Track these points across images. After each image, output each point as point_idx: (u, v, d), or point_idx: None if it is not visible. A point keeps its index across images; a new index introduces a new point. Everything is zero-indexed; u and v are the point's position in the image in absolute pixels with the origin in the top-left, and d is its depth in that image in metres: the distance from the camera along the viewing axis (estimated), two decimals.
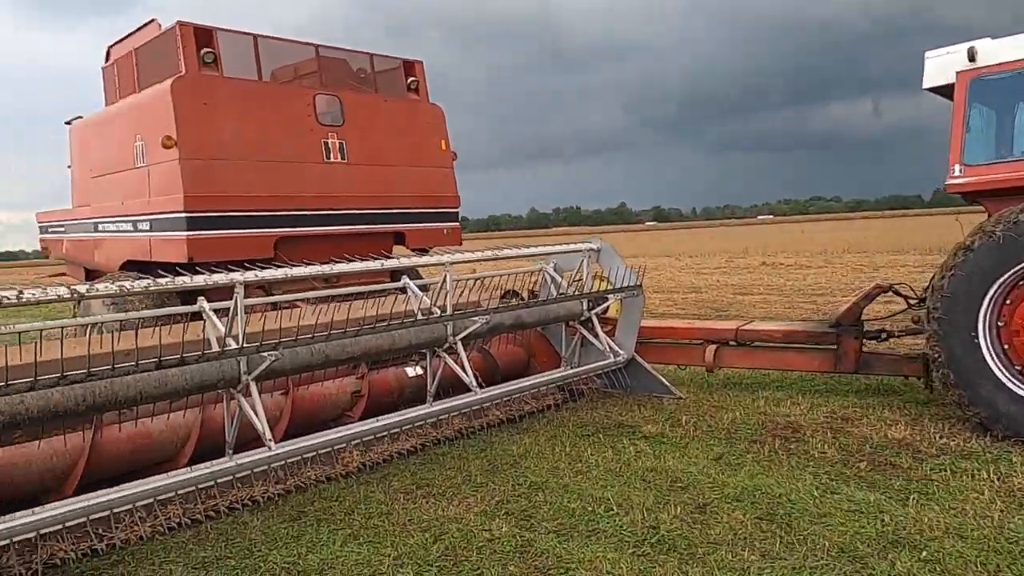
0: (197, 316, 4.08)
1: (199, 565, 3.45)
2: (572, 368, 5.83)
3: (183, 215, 5.71)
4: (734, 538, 3.43)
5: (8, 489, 3.76)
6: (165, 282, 3.60)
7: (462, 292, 5.30)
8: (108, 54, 7.37)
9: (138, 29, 6.78)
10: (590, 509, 3.85)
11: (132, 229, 6.56)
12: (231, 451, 4.08)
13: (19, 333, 3.50)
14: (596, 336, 5.77)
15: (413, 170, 7.28)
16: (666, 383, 5.93)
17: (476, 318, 4.74)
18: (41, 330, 3.61)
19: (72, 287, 3.32)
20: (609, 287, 5.90)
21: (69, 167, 8.59)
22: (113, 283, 3.42)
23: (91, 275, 8.88)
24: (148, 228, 6.27)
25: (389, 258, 4.70)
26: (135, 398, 3.53)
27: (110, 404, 3.47)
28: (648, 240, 53.91)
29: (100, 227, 7.26)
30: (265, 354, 3.66)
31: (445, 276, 4.78)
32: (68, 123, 8.36)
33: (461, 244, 7.63)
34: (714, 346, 6.06)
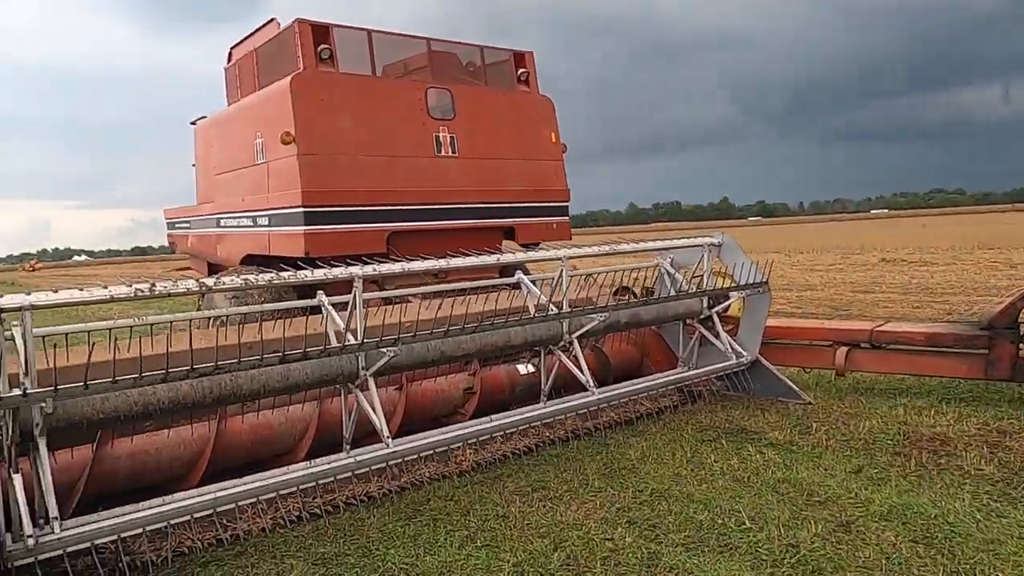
0: (316, 310, 4.10)
1: (319, 561, 3.43)
2: (691, 369, 5.55)
3: (301, 210, 5.79)
4: (887, 563, 3.11)
5: (140, 476, 3.87)
6: (286, 276, 3.60)
7: (571, 288, 5.13)
8: (230, 55, 7.61)
9: (258, 29, 6.95)
10: (720, 522, 3.60)
11: (252, 224, 6.73)
12: (348, 446, 4.07)
13: (151, 325, 3.59)
14: (717, 336, 5.47)
15: (523, 163, 7.16)
16: (793, 387, 5.56)
17: (594, 316, 4.55)
18: (171, 322, 3.69)
19: (199, 280, 3.35)
20: (731, 284, 5.58)
21: (193, 165, 8.96)
22: (237, 277, 3.43)
23: (213, 269, 9.25)
24: (267, 223, 6.41)
25: (504, 253, 4.57)
26: (259, 391, 3.55)
27: (235, 397, 3.50)
28: (754, 235, 52.00)
29: (222, 223, 7.51)
30: (384, 350, 3.60)
31: (561, 271, 4.61)
32: (193, 123, 8.73)
33: (571, 239, 7.45)
34: (845, 348, 5.63)
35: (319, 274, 3.70)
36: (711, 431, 5.07)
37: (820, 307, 11.59)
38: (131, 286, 3.18)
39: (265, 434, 4.34)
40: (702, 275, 5.60)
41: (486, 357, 4.72)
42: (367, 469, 3.74)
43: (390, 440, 3.72)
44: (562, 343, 4.68)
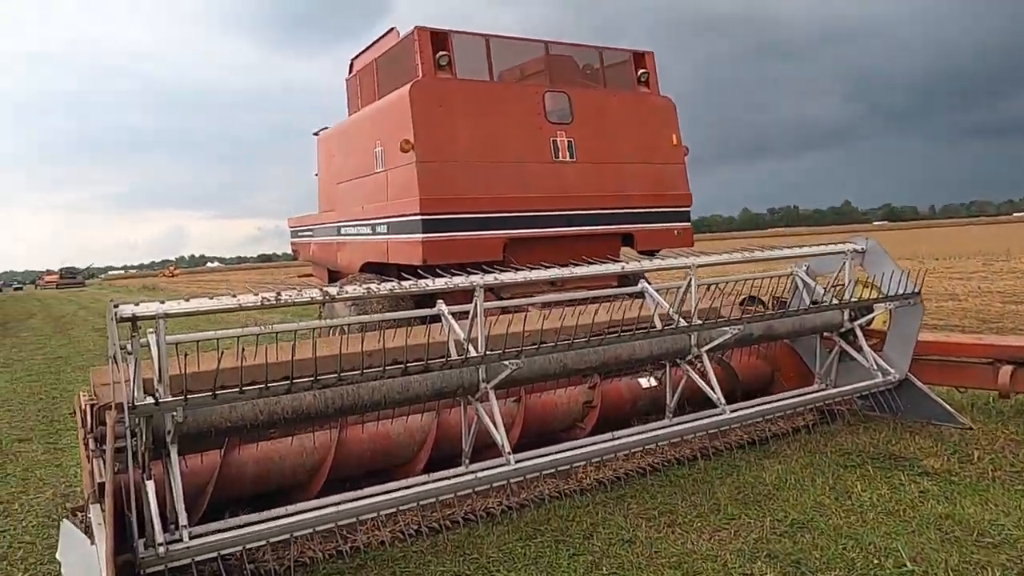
0: (434, 318, 4.02)
1: None
2: (830, 386, 5.12)
3: (419, 218, 5.77)
4: None
5: (264, 482, 3.90)
6: (407, 285, 3.52)
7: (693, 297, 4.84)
8: (351, 66, 7.76)
9: (379, 39, 7.04)
10: (875, 562, 3.22)
11: (371, 232, 6.80)
12: (467, 460, 3.96)
13: (276, 333, 3.60)
14: (860, 351, 5.01)
15: (643, 167, 6.89)
16: (949, 409, 5.02)
17: (725, 329, 4.25)
18: (295, 331, 3.69)
19: (323, 289, 3.32)
20: (875, 294, 5.11)
21: (316, 175, 9.21)
22: (360, 285, 3.38)
23: (334, 276, 9.48)
24: (386, 231, 6.45)
25: (628, 261, 4.34)
26: (379, 402, 3.49)
27: (355, 408, 3.45)
28: (881, 241, 48.98)
29: (342, 231, 7.64)
30: (507, 362, 3.46)
31: (689, 280, 4.34)
32: (316, 134, 8.97)
33: (692, 246, 7.11)
34: (1010, 367, 5.03)
35: (439, 283, 3.61)
36: (854, 455, 4.64)
37: (966, 319, 10.63)
38: (258, 295, 3.19)
39: (384, 444, 4.29)
40: (841, 284, 5.16)
41: (608, 371, 4.50)
42: (487, 486, 3.59)
43: (511, 457, 3.57)
44: (690, 357, 4.39)
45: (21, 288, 75.58)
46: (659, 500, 4.10)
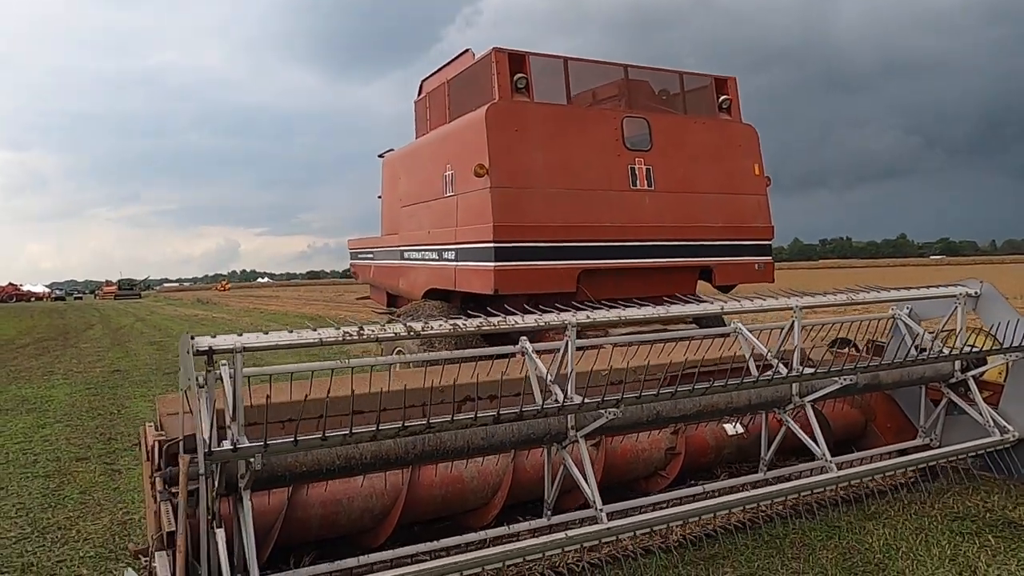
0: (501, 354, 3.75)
1: None
2: (935, 442, 4.69)
3: (491, 245, 5.53)
4: None
5: (331, 525, 3.66)
6: (496, 322, 3.26)
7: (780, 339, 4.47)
8: (420, 88, 7.62)
9: (452, 61, 6.87)
10: None
11: (437, 258, 6.59)
12: (550, 512, 3.66)
13: (351, 368, 3.38)
14: (973, 404, 4.57)
15: (724, 197, 6.56)
16: None
17: (836, 378, 3.87)
18: (372, 366, 3.46)
19: (408, 324, 3.07)
20: (989, 344, 4.67)
21: (379, 197, 9.09)
22: (445, 321, 3.13)
23: (393, 301, 9.31)
24: (453, 257, 6.22)
25: (727, 300, 4.01)
26: (462, 449, 3.22)
27: (437, 454, 3.19)
28: (937, 276, 47.30)
29: (405, 255, 7.46)
30: (603, 411, 3.16)
31: (793, 323, 3.99)
32: (380, 156, 8.85)
33: (773, 281, 6.72)
34: None
35: (529, 320, 3.33)
36: (969, 521, 4.19)
37: None
38: (339, 328, 2.96)
39: (456, 488, 4.02)
40: (950, 330, 4.73)
41: (700, 419, 4.17)
42: (577, 546, 3.28)
43: (604, 514, 3.26)
44: (791, 406, 4.03)
45: (81, 298, 77.95)
46: (755, 564, 3.73)
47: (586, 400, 3.09)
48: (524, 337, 3.68)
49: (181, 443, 2.82)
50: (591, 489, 3.28)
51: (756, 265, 6.70)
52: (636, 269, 6.08)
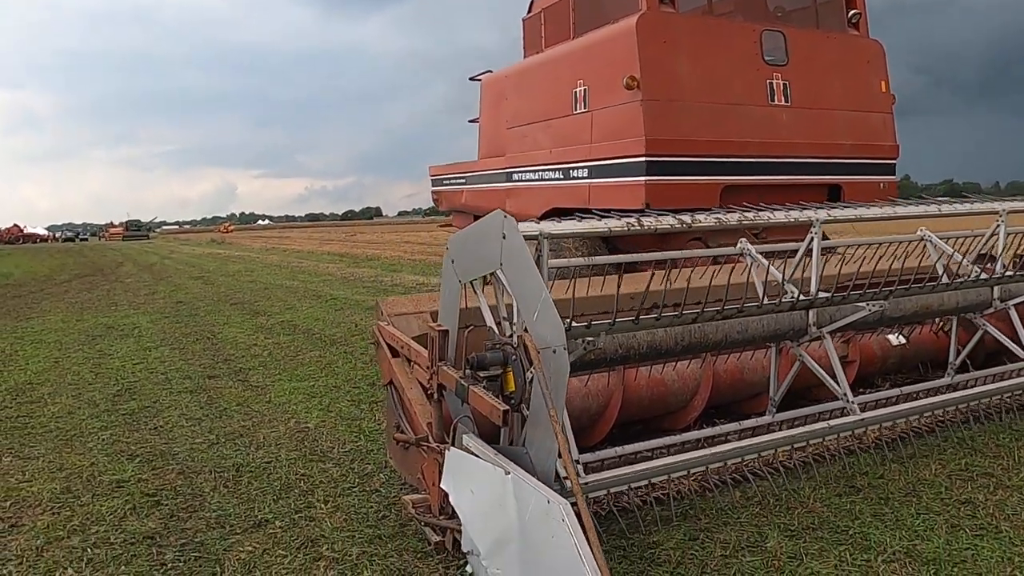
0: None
1: (792, 533, 3.12)
2: None
3: (643, 159, 5.50)
4: None
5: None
6: (751, 216, 3.26)
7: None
8: (531, 6, 7.45)
9: None
10: None
11: (562, 177, 6.55)
12: (774, 409, 3.74)
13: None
14: None
15: (853, 115, 6.50)
16: None
17: None
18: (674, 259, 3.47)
19: (679, 217, 3.08)
20: None
21: (471, 121, 8.97)
22: (725, 213, 3.14)
23: None
24: (586, 175, 6.19)
25: (929, 204, 4.02)
26: (720, 342, 3.27)
27: (699, 347, 3.24)
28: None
29: (515, 176, 7.41)
30: (864, 304, 3.19)
31: (999, 225, 4.00)
32: (473, 79, 8.71)
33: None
34: None
35: (779, 216, 3.35)
36: None
37: None
38: (620, 219, 2.96)
39: (660, 391, 4.09)
40: None
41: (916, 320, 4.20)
42: (835, 435, 3.35)
43: (855, 405, 3.32)
44: (991, 310, 4.08)
45: (86, 239, 77.58)
46: (964, 461, 3.83)
47: (844, 296, 3.12)
48: (743, 239, 3.70)
49: (494, 327, 2.85)
50: (842, 382, 3.35)
51: (881, 184, 6.68)
52: (772, 186, 6.05)
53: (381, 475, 3.95)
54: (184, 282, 17.18)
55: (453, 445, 2.82)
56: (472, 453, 2.70)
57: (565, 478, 2.56)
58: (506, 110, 7.59)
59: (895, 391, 4.17)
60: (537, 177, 6.99)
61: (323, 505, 3.58)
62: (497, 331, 2.94)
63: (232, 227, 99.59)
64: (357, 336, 8.37)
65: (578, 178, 6.31)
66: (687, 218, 3.09)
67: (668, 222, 3.05)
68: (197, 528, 3.37)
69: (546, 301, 2.40)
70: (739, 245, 3.66)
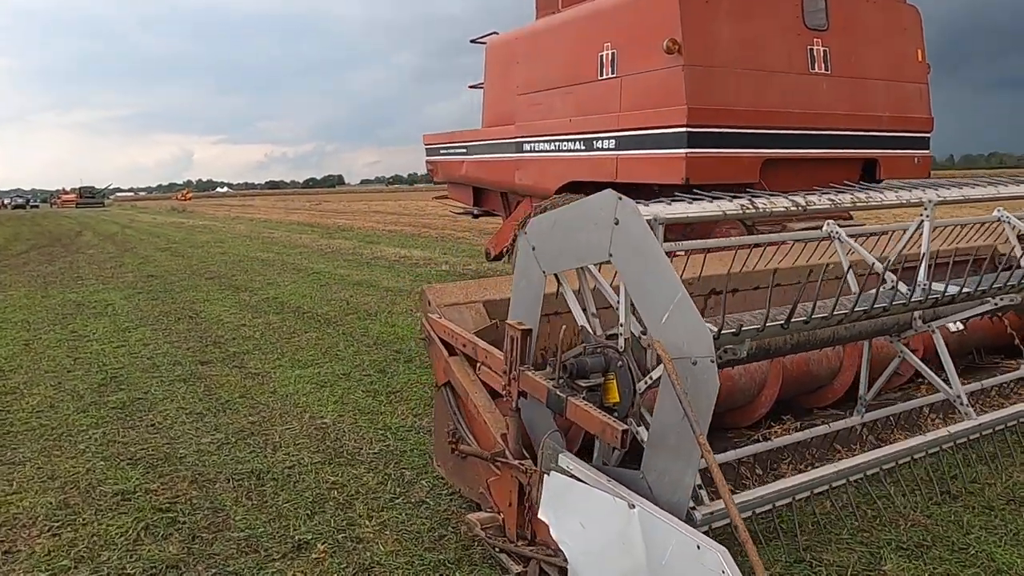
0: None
1: (895, 548, 2.79)
2: None
3: (683, 130, 5.08)
4: None
5: None
6: (864, 197, 2.88)
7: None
8: None
9: None
10: None
11: (583, 148, 6.11)
12: (863, 409, 3.40)
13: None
14: None
15: (890, 85, 6.15)
16: None
17: None
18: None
19: (792, 199, 2.68)
20: None
21: (472, 87, 8.45)
22: (819, 197, 2.75)
23: (479, 199, 8.81)
24: (613, 146, 5.76)
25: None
26: (828, 339, 2.90)
27: (812, 344, 2.86)
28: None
29: (526, 147, 6.94)
30: (992, 298, 2.85)
31: None
32: (475, 41, 8.16)
33: (929, 176, 6.43)
34: None
35: (891, 196, 2.97)
36: None
37: None
38: (732, 201, 2.56)
39: (727, 385, 3.73)
40: None
41: None
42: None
43: (968, 407, 2.99)
44: None
45: (37, 207, 74.56)
46: None
47: (977, 291, 2.77)
48: (831, 221, 3.33)
49: (590, 330, 2.44)
50: (953, 380, 3.01)
51: (915, 159, 6.37)
52: (810, 160, 5.70)
53: (423, 482, 3.54)
54: (152, 253, 16.38)
55: (548, 466, 2.41)
56: (576, 478, 2.30)
57: (710, 513, 2.18)
58: (517, 75, 7.09)
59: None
60: (553, 148, 6.54)
61: (367, 522, 3.15)
62: (591, 330, 2.53)
63: (191, 194, 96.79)
64: (352, 315, 7.88)
65: (603, 149, 5.87)
66: (800, 200, 2.69)
67: (783, 204, 2.65)
68: (227, 553, 2.93)
69: (684, 302, 1.99)
70: (826, 227, 3.28)
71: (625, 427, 2.14)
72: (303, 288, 10.06)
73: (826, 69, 5.74)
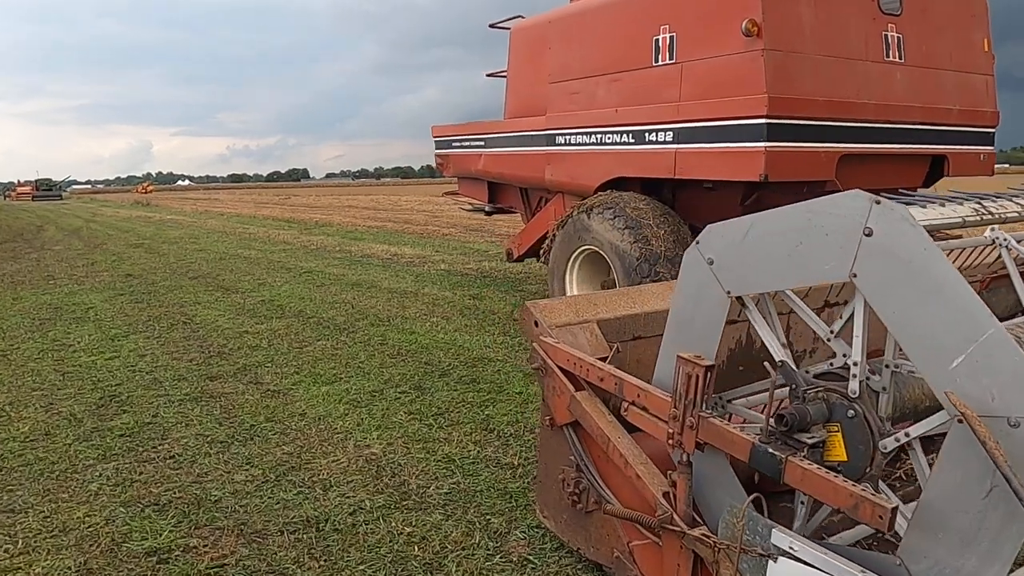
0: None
1: None
2: None
3: (763, 121, 4.58)
4: None
5: None
6: None
7: None
8: None
9: None
10: None
11: (633, 141, 5.59)
12: None
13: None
14: None
15: (959, 76, 5.74)
16: None
17: None
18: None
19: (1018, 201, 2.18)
20: None
21: (491, 75, 7.89)
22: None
23: (495, 195, 8.25)
24: (671, 139, 5.24)
25: None
26: None
27: None
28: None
29: (560, 140, 6.40)
30: None
31: None
32: (495, 26, 7.59)
33: (993, 174, 6.04)
34: None
35: None
36: None
37: None
38: (963, 204, 2.05)
39: None
40: None
41: None
42: None
43: None
44: None
45: None
46: None
47: None
48: (996, 226, 2.85)
49: (788, 361, 1.92)
50: None
51: (981, 156, 5.98)
52: (881, 156, 5.26)
53: (517, 534, 2.99)
54: (124, 250, 15.48)
55: (752, 541, 1.88)
56: (802, 561, 1.77)
57: None
58: (549, 62, 6.53)
59: None
60: (594, 141, 6.00)
61: None
62: (793, 367, 2.01)
63: (152, 187, 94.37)
64: (363, 320, 7.27)
65: (659, 142, 5.35)
66: None
67: (1014, 209, 2.15)
68: None
69: (997, 341, 1.48)
70: (989, 233, 2.80)
71: (894, 505, 1.62)
72: (299, 289, 9.40)
73: (900, 58, 5.29)
